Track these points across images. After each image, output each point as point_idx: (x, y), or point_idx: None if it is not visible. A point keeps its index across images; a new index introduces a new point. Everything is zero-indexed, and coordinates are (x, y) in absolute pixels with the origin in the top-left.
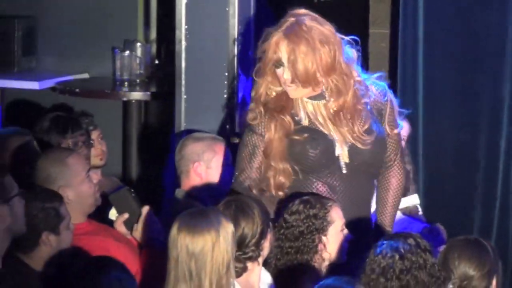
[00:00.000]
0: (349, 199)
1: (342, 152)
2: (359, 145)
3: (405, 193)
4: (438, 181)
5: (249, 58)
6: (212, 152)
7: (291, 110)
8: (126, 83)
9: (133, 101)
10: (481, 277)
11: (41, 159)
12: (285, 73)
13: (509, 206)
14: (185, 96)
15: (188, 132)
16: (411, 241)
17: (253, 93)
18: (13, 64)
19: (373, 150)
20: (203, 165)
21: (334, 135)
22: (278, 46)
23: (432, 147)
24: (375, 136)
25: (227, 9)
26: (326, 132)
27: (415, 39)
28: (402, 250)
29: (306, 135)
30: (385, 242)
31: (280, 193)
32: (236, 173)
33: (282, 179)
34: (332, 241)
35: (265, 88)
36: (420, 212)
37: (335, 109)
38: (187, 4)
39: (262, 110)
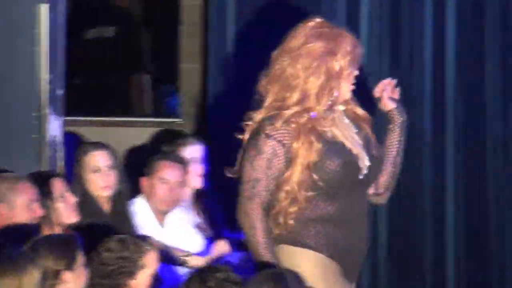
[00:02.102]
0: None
1: (363, 166)
2: (372, 151)
3: None
4: None
5: (58, 98)
6: (15, 192)
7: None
8: None
9: None
10: None
11: None
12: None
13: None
14: None
15: None
16: (219, 275)
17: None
18: None
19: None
20: (6, 206)
21: (354, 147)
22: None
23: None
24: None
25: (35, 48)
26: (348, 146)
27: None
28: (213, 284)
29: (329, 148)
30: (195, 274)
31: (291, 221)
32: (249, 184)
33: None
34: (140, 286)
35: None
36: None
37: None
38: None
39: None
